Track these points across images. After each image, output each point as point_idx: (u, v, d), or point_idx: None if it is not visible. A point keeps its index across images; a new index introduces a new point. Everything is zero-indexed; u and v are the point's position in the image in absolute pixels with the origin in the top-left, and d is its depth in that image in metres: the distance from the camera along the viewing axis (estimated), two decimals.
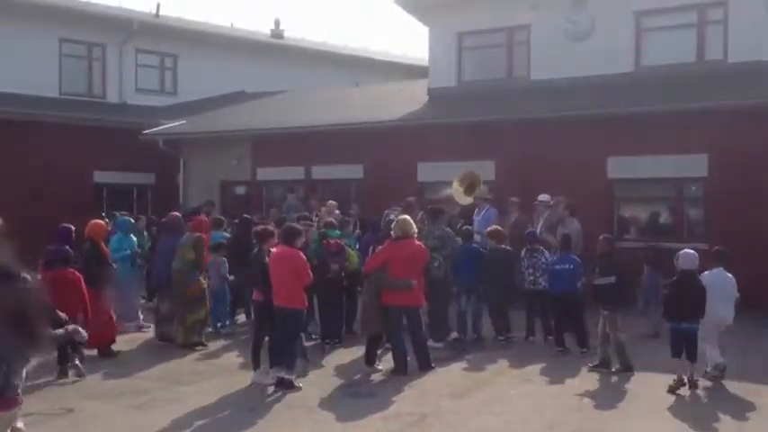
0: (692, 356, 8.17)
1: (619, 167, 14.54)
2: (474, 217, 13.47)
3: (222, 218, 13.51)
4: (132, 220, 12.97)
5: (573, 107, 14.92)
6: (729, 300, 8.52)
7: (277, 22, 28.41)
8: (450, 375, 8.94)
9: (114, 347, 9.95)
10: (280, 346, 8.37)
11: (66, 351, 8.58)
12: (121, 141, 19.16)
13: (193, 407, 7.57)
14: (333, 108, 19.04)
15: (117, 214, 13.92)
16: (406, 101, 17.99)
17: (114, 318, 10.06)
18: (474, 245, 11.35)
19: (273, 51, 25.77)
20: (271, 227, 9.51)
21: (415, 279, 9.11)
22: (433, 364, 9.13)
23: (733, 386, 8.25)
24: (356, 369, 9.18)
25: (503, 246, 11.04)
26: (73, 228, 10.01)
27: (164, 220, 12.49)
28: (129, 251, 11.81)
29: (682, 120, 13.67)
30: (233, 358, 9.87)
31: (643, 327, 10.84)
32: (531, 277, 10.76)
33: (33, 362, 7.73)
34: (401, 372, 8.88)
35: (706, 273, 8.46)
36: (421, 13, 18.68)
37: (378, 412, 7.37)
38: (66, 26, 21.12)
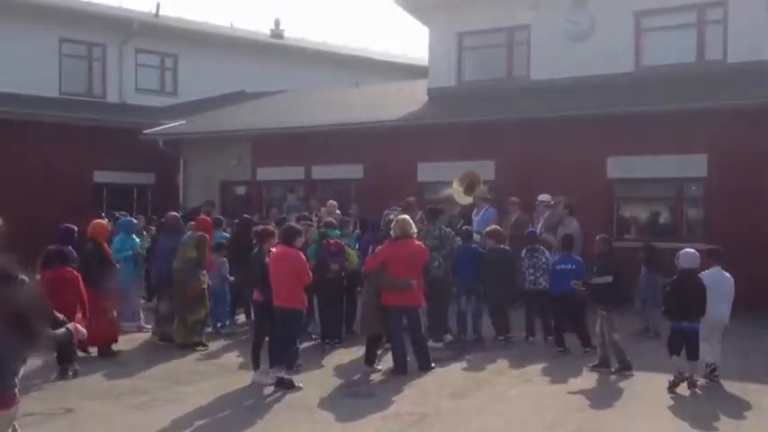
0: (693, 355, 8.18)
1: (618, 167, 14.54)
2: (473, 217, 13.47)
3: (221, 218, 13.52)
4: (135, 221, 12.98)
5: (573, 107, 14.92)
6: (726, 299, 8.52)
7: (277, 22, 28.42)
8: (449, 375, 8.94)
9: (114, 347, 9.95)
10: (280, 347, 8.37)
11: (67, 350, 8.57)
12: (121, 141, 19.16)
13: (193, 407, 7.57)
14: (333, 108, 19.05)
15: (116, 214, 13.95)
16: (406, 101, 17.99)
17: (116, 318, 10.07)
18: (473, 245, 11.35)
19: (273, 51, 25.77)
20: (271, 227, 9.51)
21: (415, 279, 9.10)
22: (432, 365, 9.12)
23: (733, 386, 8.25)
24: (356, 369, 9.18)
25: (502, 246, 11.05)
26: (75, 228, 10.02)
27: (162, 219, 12.49)
28: (131, 252, 11.81)
29: (681, 120, 13.68)
30: (233, 358, 9.87)
31: (637, 326, 10.85)
32: (532, 277, 10.75)
33: (34, 362, 7.79)
34: (401, 372, 8.87)
35: (703, 273, 8.47)
36: (421, 13, 18.69)
37: (377, 412, 7.37)
38: (66, 26, 21.13)
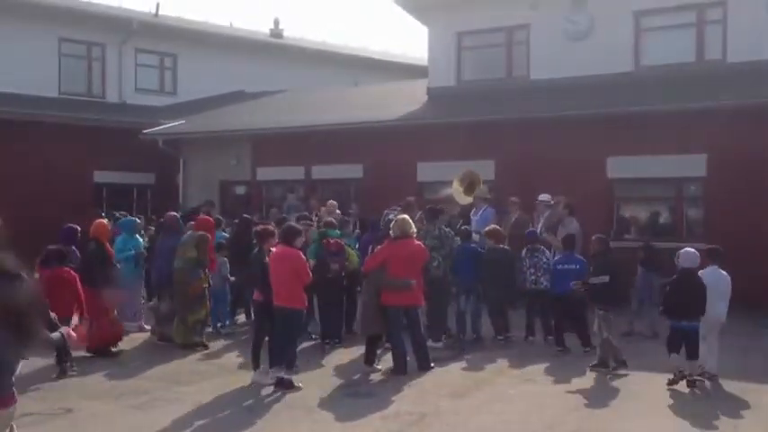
0: (693, 354, 8.18)
1: (618, 167, 14.55)
2: (471, 216, 13.46)
3: (221, 218, 13.52)
4: (137, 220, 12.99)
5: (573, 107, 14.93)
6: (723, 298, 8.53)
7: (276, 22, 28.41)
8: (449, 375, 8.94)
9: (115, 348, 9.95)
10: (279, 346, 8.37)
11: (62, 352, 8.56)
12: (121, 141, 19.17)
13: (193, 407, 7.58)
14: (333, 108, 19.05)
15: (116, 214, 13.94)
16: (405, 101, 17.99)
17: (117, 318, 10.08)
18: (472, 245, 11.35)
19: (273, 51, 25.78)
20: (271, 227, 9.52)
21: (415, 279, 9.11)
22: (432, 364, 9.13)
23: (732, 385, 8.26)
24: (356, 369, 9.18)
25: (501, 245, 11.05)
26: (79, 228, 10.01)
27: (161, 219, 12.49)
28: (133, 252, 11.81)
29: (681, 119, 13.68)
30: (233, 358, 9.88)
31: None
32: (533, 277, 10.75)
33: (34, 362, 7.79)
34: (400, 372, 8.88)
35: (701, 272, 8.47)
36: (420, 12, 18.69)
37: (377, 412, 7.37)
38: (65, 26, 21.14)
